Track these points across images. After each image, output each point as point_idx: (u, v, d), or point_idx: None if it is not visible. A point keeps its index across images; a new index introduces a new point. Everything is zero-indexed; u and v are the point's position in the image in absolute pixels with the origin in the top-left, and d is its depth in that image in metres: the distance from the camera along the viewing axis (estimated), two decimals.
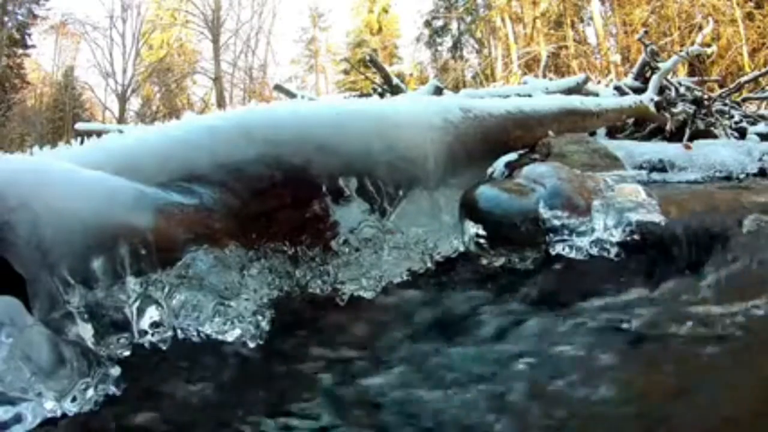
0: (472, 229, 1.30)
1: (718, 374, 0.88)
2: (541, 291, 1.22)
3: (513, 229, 1.28)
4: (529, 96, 3.02)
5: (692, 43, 6.87)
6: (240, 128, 1.18)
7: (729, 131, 3.93)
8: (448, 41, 23.89)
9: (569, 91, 3.49)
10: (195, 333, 0.98)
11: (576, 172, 1.41)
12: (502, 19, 20.39)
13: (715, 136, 3.69)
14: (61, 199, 0.88)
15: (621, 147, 2.45)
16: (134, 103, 24.45)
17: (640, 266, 1.24)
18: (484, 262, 1.31)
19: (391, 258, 1.26)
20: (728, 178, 2.43)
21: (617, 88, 4.22)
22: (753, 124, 4.42)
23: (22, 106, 22.56)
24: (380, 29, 25.41)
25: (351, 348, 1.07)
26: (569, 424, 0.79)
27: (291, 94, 4.76)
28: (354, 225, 1.23)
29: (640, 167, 2.37)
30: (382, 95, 4.20)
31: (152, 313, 0.93)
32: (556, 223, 1.26)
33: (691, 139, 3.39)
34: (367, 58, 5.06)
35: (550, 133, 2.06)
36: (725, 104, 4.53)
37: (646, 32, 5.75)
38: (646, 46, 4.52)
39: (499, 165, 1.87)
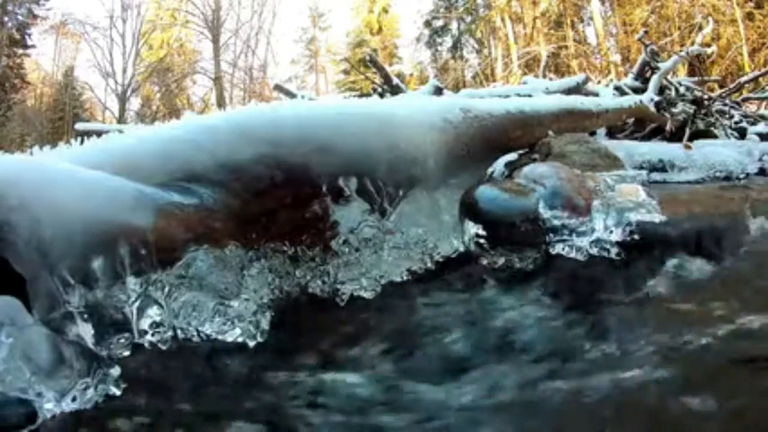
0: (472, 229, 1.30)
1: (714, 374, 0.88)
2: (540, 291, 1.22)
3: (513, 229, 1.28)
4: (529, 96, 3.02)
5: (692, 43, 6.88)
6: (240, 128, 1.18)
7: (729, 131, 3.94)
8: (448, 41, 23.90)
9: (569, 91, 3.50)
10: (195, 333, 0.98)
11: (576, 172, 1.41)
12: (502, 19, 20.39)
13: (715, 136, 3.70)
14: (61, 199, 0.88)
15: (621, 147, 2.45)
16: (134, 103, 24.48)
17: (640, 266, 1.24)
18: (484, 262, 1.31)
19: (391, 258, 1.26)
20: (728, 178, 2.43)
21: (617, 88, 4.23)
22: (753, 124, 4.43)
23: (22, 106, 22.57)
24: (380, 29, 25.41)
25: (351, 348, 1.07)
26: (561, 421, 0.79)
27: (291, 94, 4.77)
28: (354, 225, 1.23)
29: (640, 167, 2.38)
30: (382, 95, 4.20)
31: (152, 313, 0.94)
32: (556, 223, 1.26)
33: (691, 139, 3.39)
34: (367, 58, 5.07)
35: (550, 133, 2.06)
36: (725, 104, 4.54)
37: (646, 32, 5.75)
38: (646, 46, 4.52)
39: (499, 165, 1.87)
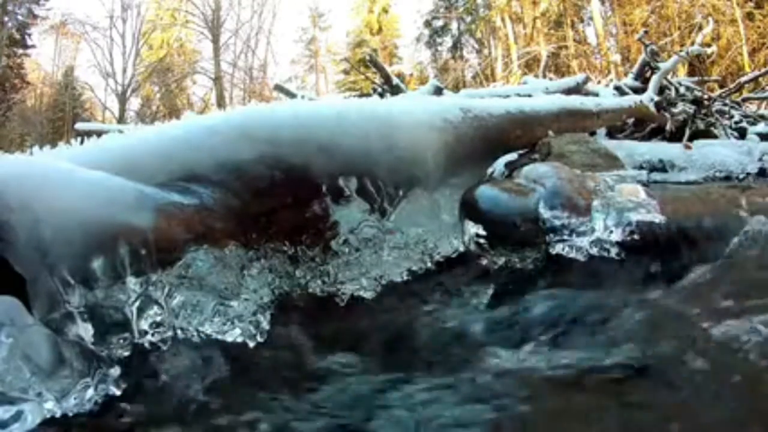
0: (472, 229, 1.30)
1: (709, 377, 0.88)
2: (540, 291, 1.22)
3: (513, 229, 1.28)
4: (529, 96, 3.02)
5: (692, 43, 6.87)
6: (240, 128, 1.18)
7: (729, 131, 3.93)
8: (448, 41, 23.90)
9: (569, 91, 3.50)
10: (195, 333, 0.98)
11: (576, 172, 1.41)
12: (502, 19, 20.39)
13: (715, 136, 3.69)
14: (61, 199, 0.88)
15: (621, 147, 2.45)
16: (134, 103, 24.46)
17: (640, 266, 1.24)
18: (484, 262, 1.31)
19: (391, 258, 1.26)
20: (728, 178, 2.42)
21: (617, 88, 4.22)
22: (753, 124, 4.42)
23: (22, 106, 22.56)
24: (380, 29, 25.41)
25: (350, 348, 1.07)
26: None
27: (291, 94, 4.76)
28: (354, 225, 1.23)
29: (640, 167, 2.37)
30: (382, 95, 4.20)
31: (152, 313, 0.93)
32: (556, 223, 1.26)
33: (691, 139, 3.39)
34: (367, 58, 5.06)
35: (550, 133, 2.06)
36: (725, 104, 4.54)
37: (646, 32, 5.75)
38: (646, 46, 4.52)
39: (499, 165, 1.87)
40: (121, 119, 21.27)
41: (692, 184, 2.31)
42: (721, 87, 5.86)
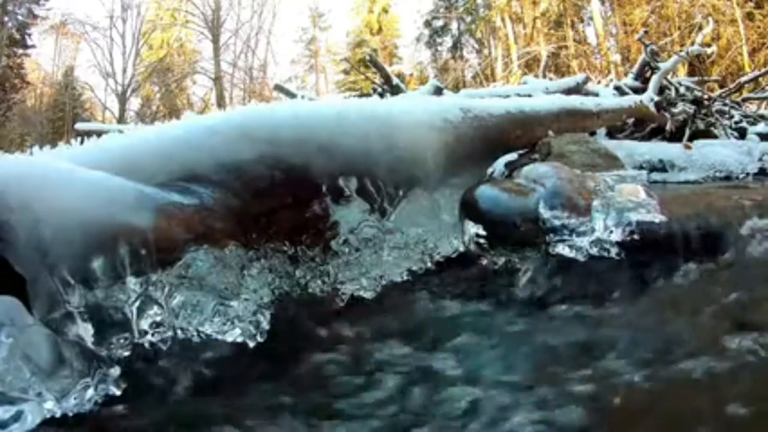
0: (472, 229, 1.30)
1: (710, 374, 0.88)
2: (540, 291, 1.22)
3: (513, 229, 1.28)
4: (529, 96, 3.02)
5: (692, 43, 6.87)
6: (240, 128, 1.18)
7: (729, 131, 3.93)
8: (448, 41, 23.90)
9: (569, 91, 3.49)
10: (195, 333, 0.98)
11: (576, 172, 1.41)
12: (502, 19, 20.38)
13: (715, 136, 3.69)
14: (61, 199, 0.88)
15: (621, 147, 2.45)
16: (134, 103, 24.44)
17: (640, 266, 1.24)
18: (484, 262, 1.31)
19: (391, 258, 1.26)
20: (728, 178, 2.43)
21: (617, 88, 4.22)
22: (753, 124, 4.42)
23: (22, 106, 22.54)
24: (380, 29, 25.40)
25: (350, 348, 1.07)
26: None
27: (291, 94, 4.76)
28: (354, 225, 1.23)
29: (640, 167, 2.38)
30: (382, 95, 4.20)
31: (152, 313, 0.94)
32: (556, 223, 1.26)
33: (691, 139, 3.38)
34: (367, 58, 5.05)
35: (550, 133, 2.06)
36: (725, 104, 4.53)
37: (646, 32, 5.75)
38: (646, 46, 4.51)
39: (499, 165, 1.87)
40: (121, 119, 21.25)
41: (692, 184, 2.31)
42: (721, 87, 5.86)
